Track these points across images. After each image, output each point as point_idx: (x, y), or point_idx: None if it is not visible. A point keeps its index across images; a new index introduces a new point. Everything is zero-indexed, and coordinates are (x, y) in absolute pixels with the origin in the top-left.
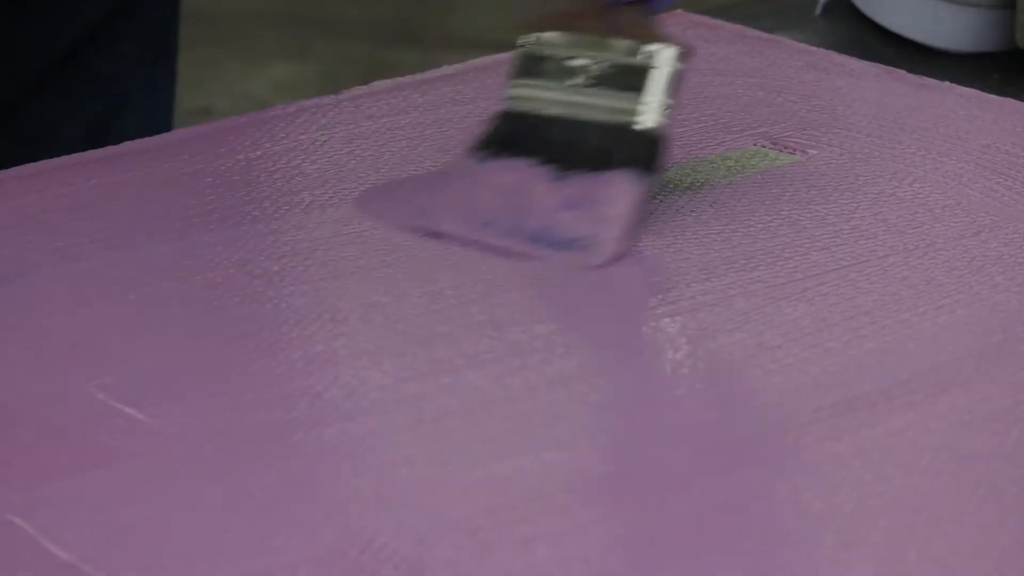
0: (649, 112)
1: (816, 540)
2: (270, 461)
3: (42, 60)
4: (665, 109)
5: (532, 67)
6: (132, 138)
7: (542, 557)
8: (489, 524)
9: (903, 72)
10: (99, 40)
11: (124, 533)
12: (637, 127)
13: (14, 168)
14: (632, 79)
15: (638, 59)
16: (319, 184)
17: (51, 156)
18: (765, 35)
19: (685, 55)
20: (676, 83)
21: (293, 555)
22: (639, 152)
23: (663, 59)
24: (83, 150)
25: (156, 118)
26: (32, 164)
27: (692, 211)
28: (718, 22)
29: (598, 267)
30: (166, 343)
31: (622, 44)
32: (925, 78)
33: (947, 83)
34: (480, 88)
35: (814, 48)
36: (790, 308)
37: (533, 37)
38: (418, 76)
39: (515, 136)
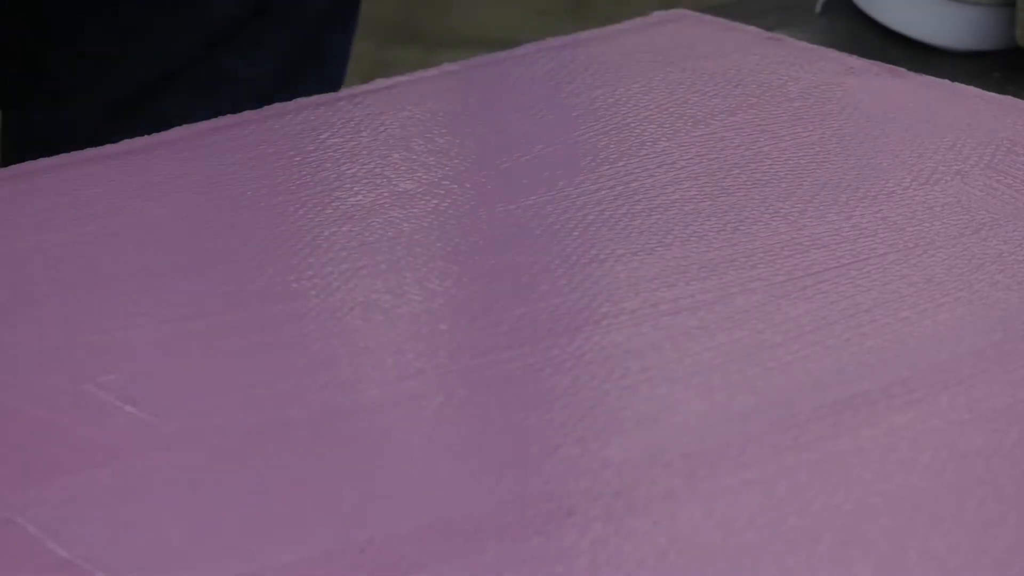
0: None
1: (816, 538)
2: (270, 460)
3: (176, 56)
4: None
5: None
6: None
7: (542, 555)
8: (489, 523)
9: (903, 70)
10: (237, 42)
11: (124, 531)
12: None
13: (12, 167)
14: None
15: None
16: (318, 182)
17: None
18: (765, 33)
19: None
20: None
21: (292, 553)
22: None
23: None
24: None
25: None
26: (32, 162)
27: (691, 209)
28: (718, 20)
29: None
30: (166, 342)
31: None
32: (925, 76)
33: (947, 81)
34: (481, 86)
35: (814, 46)
36: (790, 306)
37: None
38: (418, 74)
39: None
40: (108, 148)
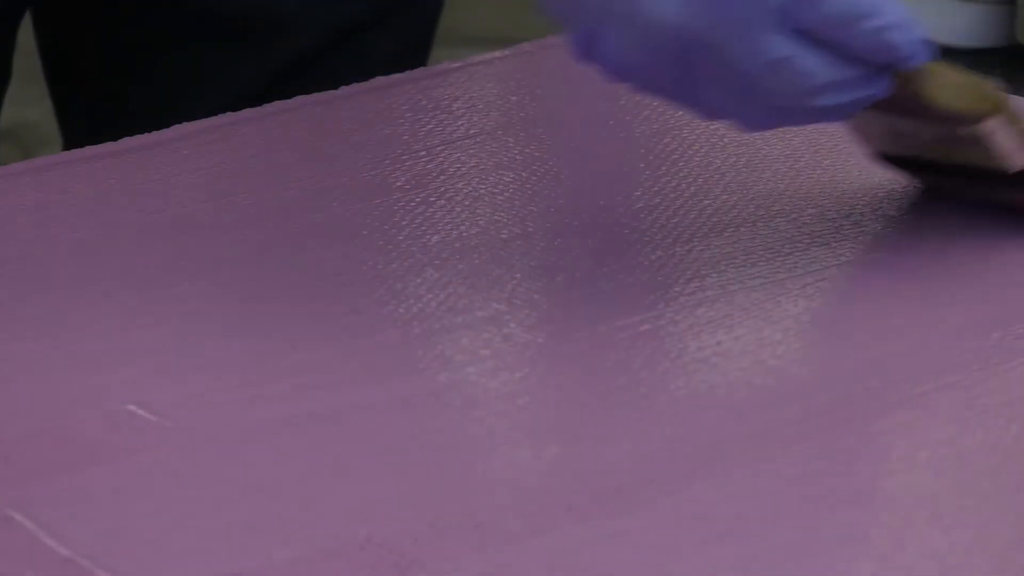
0: None
1: (816, 536)
2: (270, 458)
3: (247, 89)
4: None
5: None
6: None
7: (541, 553)
8: (489, 520)
9: None
10: (308, 77)
11: (124, 529)
12: None
13: (11, 165)
14: None
15: None
16: (318, 182)
17: None
18: None
19: None
20: None
21: (293, 551)
22: None
23: None
24: None
25: None
26: (30, 160)
27: (692, 207)
28: None
29: None
30: (167, 340)
31: None
32: None
33: None
34: (482, 84)
35: None
36: (790, 303)
37: None
38: (419, 72)
39: None
40: (108, 147)
